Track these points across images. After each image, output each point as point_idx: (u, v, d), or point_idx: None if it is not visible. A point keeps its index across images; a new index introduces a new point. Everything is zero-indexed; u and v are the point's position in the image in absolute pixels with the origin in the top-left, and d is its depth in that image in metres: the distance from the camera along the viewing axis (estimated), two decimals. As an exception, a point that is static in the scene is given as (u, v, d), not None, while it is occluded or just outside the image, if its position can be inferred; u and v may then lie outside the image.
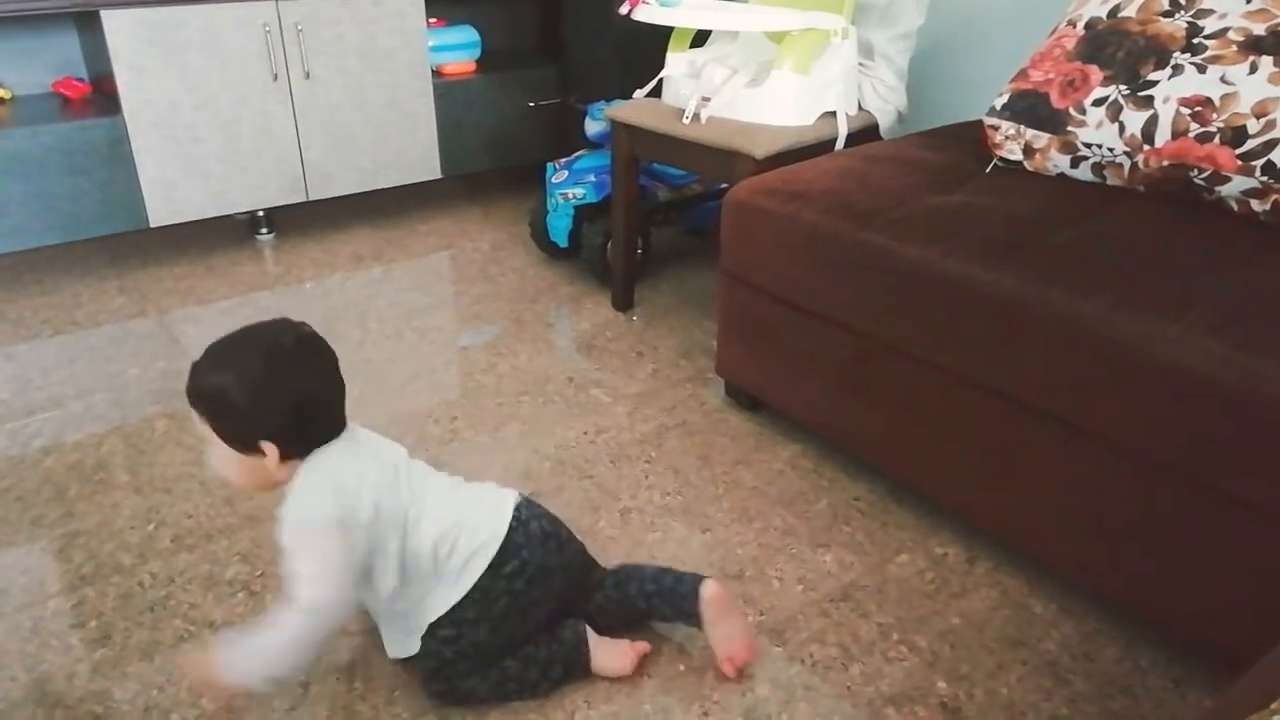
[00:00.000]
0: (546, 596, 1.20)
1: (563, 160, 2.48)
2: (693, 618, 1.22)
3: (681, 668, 1.25)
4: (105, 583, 1.40)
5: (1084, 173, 1.60)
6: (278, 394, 1.08)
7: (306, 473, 1.11)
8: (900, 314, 1.42)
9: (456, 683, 1.17)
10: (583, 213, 2.42)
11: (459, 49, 2.94)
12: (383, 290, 2.46)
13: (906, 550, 1.47)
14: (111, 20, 2.27)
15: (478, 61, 3.00)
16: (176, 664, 1.25)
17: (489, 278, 2.53)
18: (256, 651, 1.06)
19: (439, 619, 1.16)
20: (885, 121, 2.07)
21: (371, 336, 2.20)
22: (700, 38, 2.18)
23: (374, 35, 2.65)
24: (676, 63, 2.10)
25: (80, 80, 2.58)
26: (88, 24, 2.38)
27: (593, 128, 2.46)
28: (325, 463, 1.12)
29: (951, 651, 1.27)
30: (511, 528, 1.18)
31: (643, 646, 1.25)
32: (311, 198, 2.71)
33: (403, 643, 1.20)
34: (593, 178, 2.40)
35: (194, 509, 1.57)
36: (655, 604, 1.24)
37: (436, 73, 2.84)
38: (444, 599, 1.16)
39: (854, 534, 1.51)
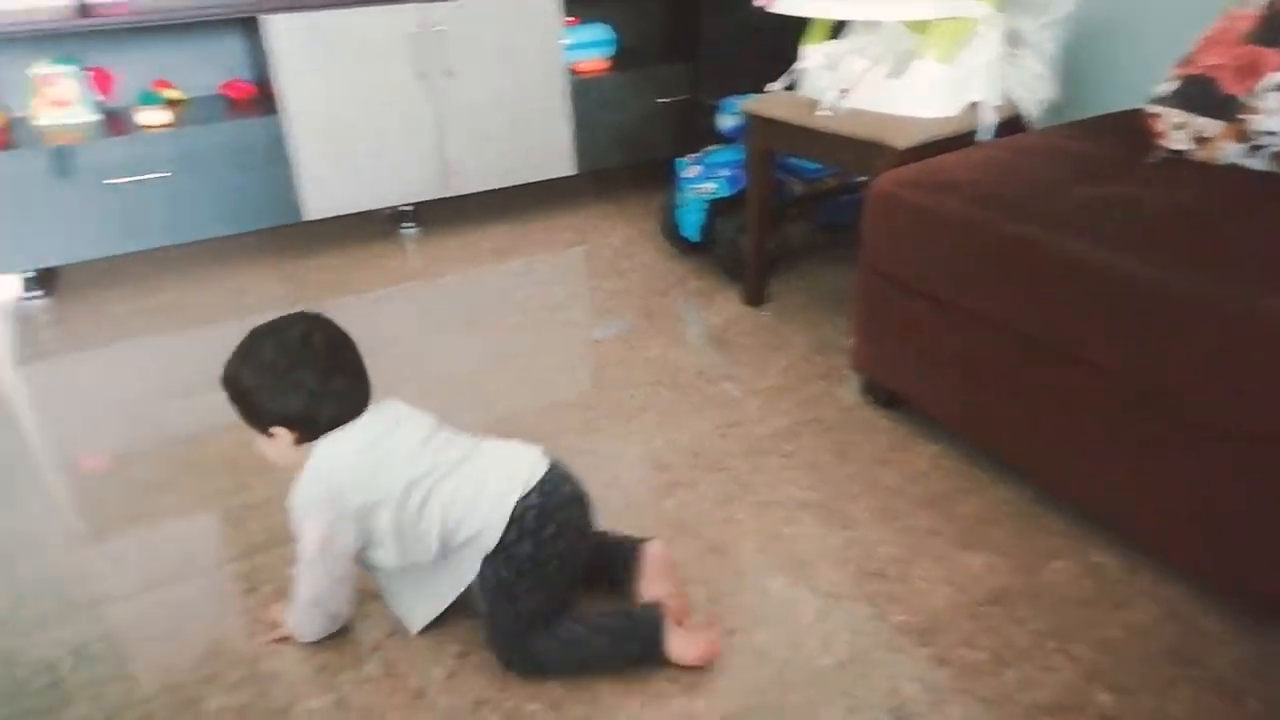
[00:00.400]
0: (583, 554, 1.27)
1: (694, 155, 2.49)
2: (627, 569, 1.30)
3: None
4: (276, 551, 1.49)
5: (1259, 162, 1.51)
6: (281, 386, 1.20)
7: (312, 462, 1.21)
8: (1053, 310, 1.37)
9: (526, 646, 1.22)
10: (715, 207, 2.43)
11: (593, 46, 2.99)
12: (520, 284, 2.53)
13: (1060, 557, 1.41)
14: (272, 25, 2.41)
15: (611, 59, 3.04)
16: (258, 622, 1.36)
17: (621, 272, 2.56)
18: (295, 609, 1.27)
19: (480, 583, 1.22)
20: (1032, 112, 1.99)
21: (512, 327, 2.26)
22: (837, 29, 2.15)
23: (512, 34, 2.72)
24: (813, 55, 2.07)
25: (245, 82, 2.75)
26: (252, 29, 2.53)
27: (726, 122, 2.46)
28: (329, 459, 1.21)
29: (1112, 663, 1.22)
30: (545, 494, 1.22)
31: (716, 639, 1.25)
32: (452, 193, 2.80)
33: (421, 610, 1.29)
34: (725, 172, 2.40)
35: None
36: (603, 558, 1.32)
37: (571, 70, 2.89)
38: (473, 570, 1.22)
39: (1003, 538, 1.46)
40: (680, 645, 1.23)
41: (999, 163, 1.64)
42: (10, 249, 2.34)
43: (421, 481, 1.21)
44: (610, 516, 1.55)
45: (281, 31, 2.42)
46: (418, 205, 2.86)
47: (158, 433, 1.87)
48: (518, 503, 1.20)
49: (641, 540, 1.35)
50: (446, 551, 1.22)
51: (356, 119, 2.59)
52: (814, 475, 1.65)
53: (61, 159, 2.31)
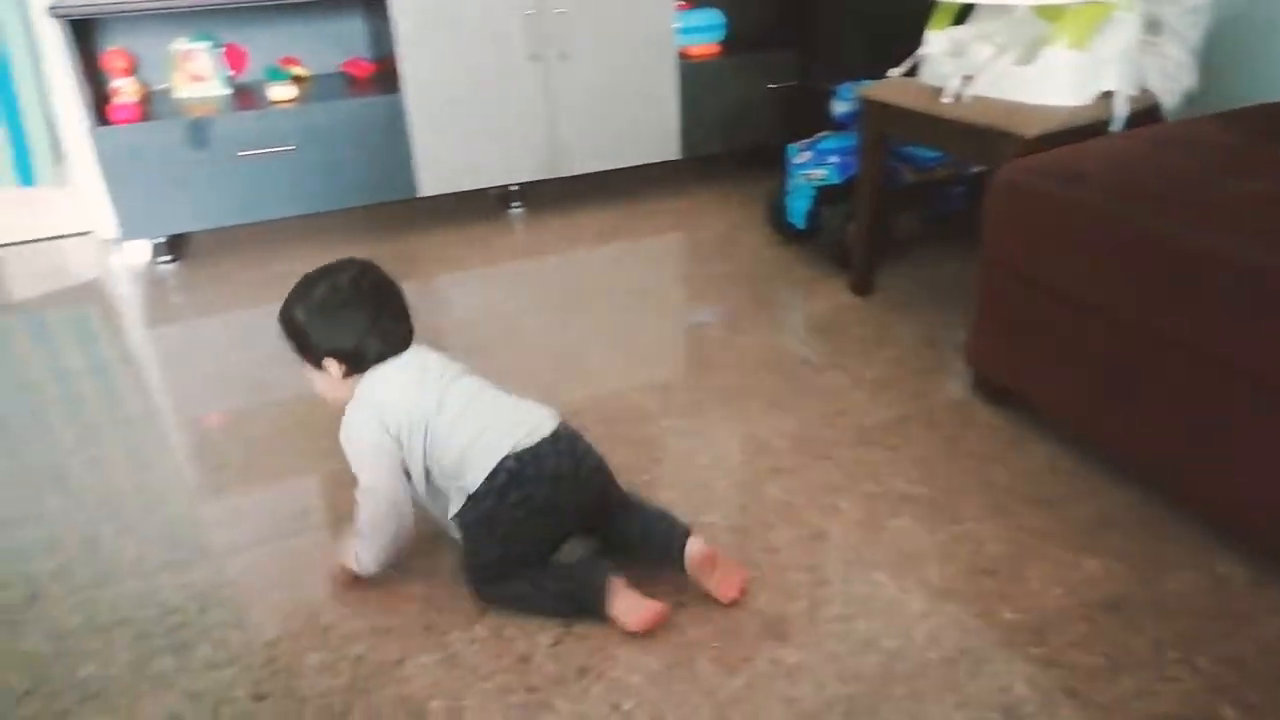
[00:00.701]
0: (553, 524, 1.33)
1: (806, 141, 2.46)
2: (672, 554, 1.31)
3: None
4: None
5: None
6: (333, 323, 1.34)
7: (359, 390, 1.35)
8: (1192, 308, 1.31)
9: (478, 587, 1.32)
10: (824, 194, 2.40)
11: (704, 31, 2.98)
12: (624, 265, 2.55)
13: (1184, 567, 1.36)
14: (397, 4, 2.47)
15: (721, 43, 3.02)
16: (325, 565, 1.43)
17: (725, 257, 2.55)
18: (357, 541, 1.34)
19: (458, 519, 1.31)
20: (1171, 102, 1.90)
21: (615, 308, 2.28)
22: (962, 15, 2.09)
23: (625, 18, 2.73)
24: (937, 40, 2.02)
25: (366, 60, 2.83)
26: (375, 8, 2.61)
27: (839, 108, 2.42)
28: (374, 383, 1.35)
29: (1239, 678, 1.17)
30: (524, 461, 1.28)
31: (664, 610, 1.27)
32: (560, 174, 2.84)
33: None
34: (836, 159, 2.37)
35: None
36: (646, 550, 1.35)
37: (681, 55, 2.89)
38: (456, 505, 1.31)
39: (1122, 543, 1.41)
40: (624, 609, 1.26)
41: (1136, 154, 1.58)
42: (146, 215, 2.47)
43: (447, 408, 1.32)
44: (713, 499, 1.56)
45: (406, 10, 2.49)
46: (525, 185, 2.90)
47: (274, 395, 1.95)
48: (500, 460, 1.27)
49: (685, 533, 1.32)
50: (445, 480, 1.32)
51: (472, 99, 2.64)
52: (922, 469, 1.62)
53: (197, 131, 2.42)
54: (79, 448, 1.79)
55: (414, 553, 1.42)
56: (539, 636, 1.29)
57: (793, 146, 2.48)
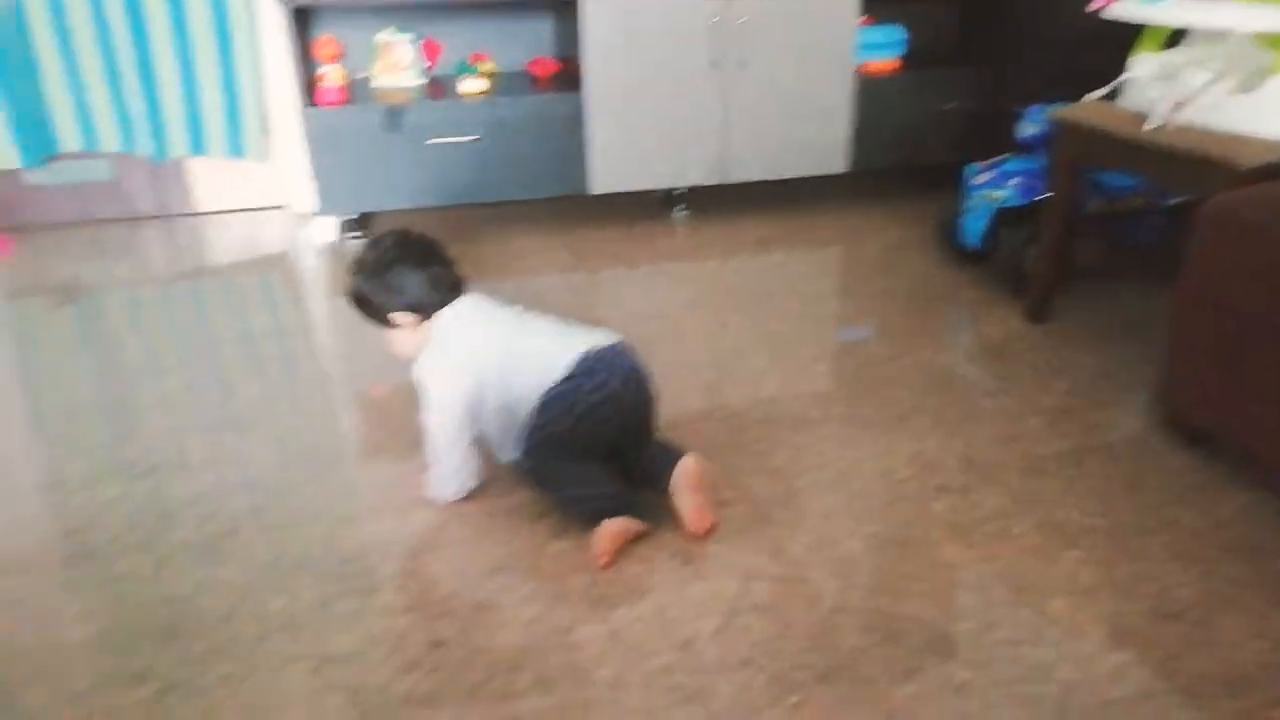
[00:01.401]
0: (613, 422, 1.47)
1: (987, 161, 2.40)
2: (660, 480, 1.48)
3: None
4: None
5: None
6: (390, 281, 1.52)
7: (435, 332, 1.53)
8: None
9: (545, 461, 1.46)
10: (1003, 216, 2.33)
11: (884, 47, 2.95)
12: (785, 274, 2.55)
13: (1402, 633, 1.25)
14: (590, 6, 2.55)
15: (901, 60, 2.99)
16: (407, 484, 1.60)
17: (889, 273, 2.52)
18: (433, 469, 1.53)
19: (533, 411, 1.46)
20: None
21: (776, 315, 2.28)
22: (1171, 40, 2.00)
23: (807, 30, 2.74)
24: (1144, 64, 1.94)
25: (551, 59, 2.94)
26: (566, 10, 2.70)
27: (1026, 130, 2.35)
28: (447, 323, 1.53)
29: None
30: (602, 357, 1.48)
31: (609, 552, 1.41)
32: (729, 180, 2.86)
33: (509, 448, 1.53)
34: (1019, 180, 2.30)
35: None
36: (648, 469, 1.51)
37: (859, 69, 2.87)
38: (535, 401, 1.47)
39: (1330, 602, 1.31)
40: (599, 540, 1.42)
41: (1370, 191, 1.47)
42: (343, 192, 2.64)
43: (524, 328, 1.54)
44: (875, 510, 1.54)
45: (599, 11, 2.57)
46: (691, 189, 2.94)
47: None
48: (582, 353, 1.47)
49: (681, 454, 1.50)
50: (522, 393, 1.48)
51: (650, 102, 2.70)
52: (1101, 503, 1.55)
53: (393, 117, 2.57)
54: (265, 402, 1.93)
55: (579, 528, 1.46)
56: (702, 622, 1.30)
57: (972, 166, 2.43)
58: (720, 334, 2.19)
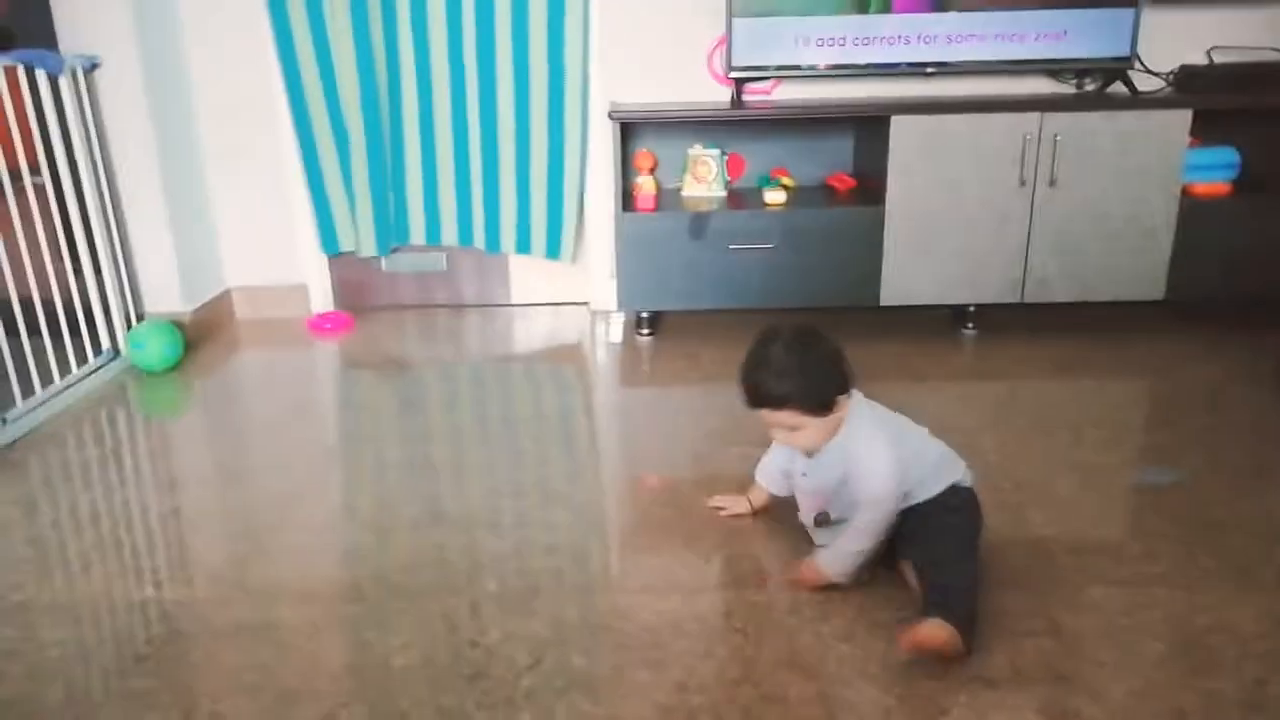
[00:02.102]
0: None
1: (1346, 294, 2.14)
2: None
3: None
4: (845, 589, 1.56)
5: None
6: (825, 363, 1.52)
7: (861, 418, 1.55)
8: None
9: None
10: (1365, 356, 2.06)
11: (1214, 170, 2.76)
12: (1087, 401, 2.38)
13: None
14: (899, 124, 2.61)
15: (1232, 183, 2.77)
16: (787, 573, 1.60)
17: (1213, 410, 2.28)
18: (847, 546, 1.52)
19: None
20: None
21: (1085, 442, 2.13)
22: None
23: (1128, 149, 2.62)
24: None
25: (849, 175, 3.01)
26: (871, 127, 2.77)
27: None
28: (867, 409, 1.57)
29: None
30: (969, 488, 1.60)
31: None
32: (1027, 300, 2.76)
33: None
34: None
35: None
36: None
37: (1185, 191, 2.69)
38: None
39: None
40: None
41: None
42: (640, 290, 2.82)
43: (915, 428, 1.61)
44: (1218, 666, 1.37)
45: (905, 130, 2.62)
46: (980, 306, 2.85)
47: (708, 468, 2.07)
48: (960, 476, 1.58)
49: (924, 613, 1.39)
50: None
51: (949, 218, 2.68)
52: None
53: (698, 223, 2.73)
54: (564, 479, 2.05)
55: (871, 635, 1.41)
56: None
57: (1327, 298, 2.17)
58: (1019, 456, 2.07)
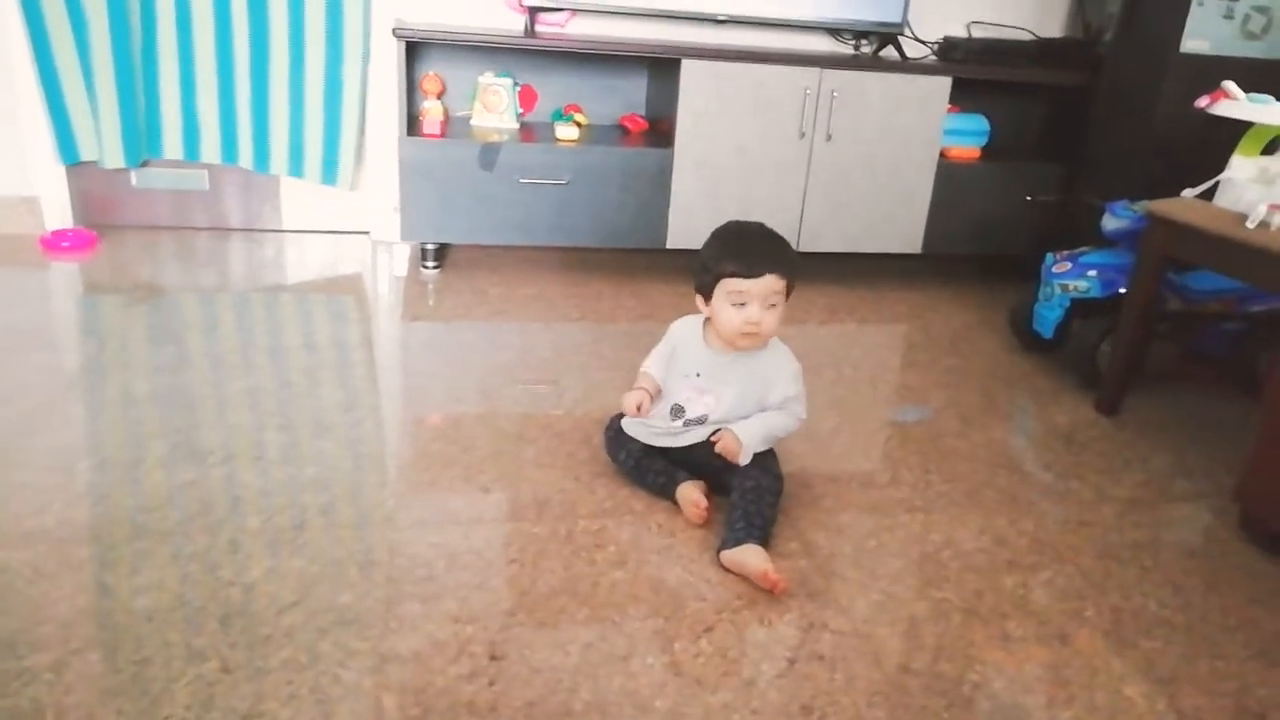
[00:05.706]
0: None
1: (1067, 252, 2.41)
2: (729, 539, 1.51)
3: None
4: (620, 517, 1.59)
5: None
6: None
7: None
8: None
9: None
10: (1078, 307, 2.33)
11: (968, 135, 3.00)
12: (855, 343, 2.55)
13: None
14: (689, 68, 2.64)
15: (982, 149, 3.03)
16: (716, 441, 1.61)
17: (957, 354, 2.51)
18: (762, 436, 1.61)
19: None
20: None
21: (845, 380, 2.29)
22: (1272, 145, 2.02)
23: (897, 111, 2.80)
24: (1243, 166, 1.96)
25: (641, 117, 3.02)
26: (663, 70, 2.79)
27: (1111, 224, 2.36)
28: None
29: None
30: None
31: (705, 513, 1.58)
32: (801, 249, 2.90)
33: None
34: (1095, 273, 2.30)
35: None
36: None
37: (942, 154, 2.91)
38: None
39: None
40: (685, 498, 1.61)
41: None
42: (428, 222, 2.71)
43: None
44: (945, 577, 1.52)
45: (695, 73, 2.65)
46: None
47: (504, 405, 2.06)
48: None
49: (743, 540, 1.48)
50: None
51: (733, 165, 2.76)
52: (1178, 597, 1.51)
53: (488, 154, 2.65)
54: (337, 411, 1.96)
55: (642, 561, 1.45)
56: (764, 665, 1.28)
57: (1051, 255, 2.44)
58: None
